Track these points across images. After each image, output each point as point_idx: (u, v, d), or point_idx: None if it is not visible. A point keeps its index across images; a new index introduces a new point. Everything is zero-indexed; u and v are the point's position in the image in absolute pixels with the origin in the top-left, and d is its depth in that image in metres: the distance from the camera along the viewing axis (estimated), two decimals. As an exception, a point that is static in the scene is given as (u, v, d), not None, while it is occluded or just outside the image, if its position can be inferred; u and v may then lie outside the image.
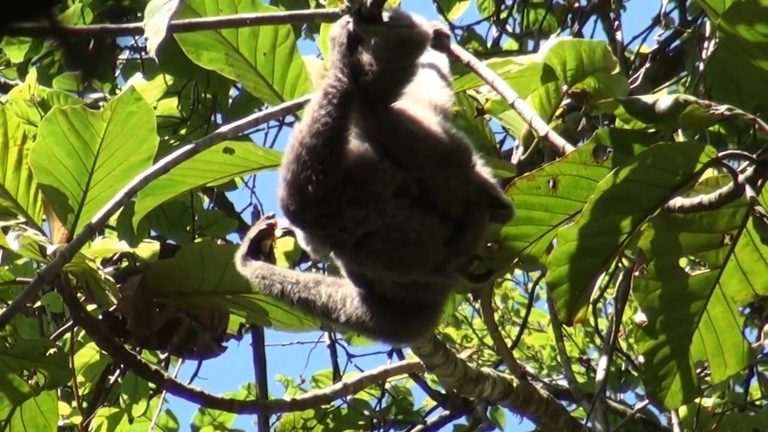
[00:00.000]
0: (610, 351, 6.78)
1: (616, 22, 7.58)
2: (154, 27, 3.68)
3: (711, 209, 3.36)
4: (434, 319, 3.64)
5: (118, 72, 7.47)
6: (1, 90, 7.31)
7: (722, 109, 3.38)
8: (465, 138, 3.52)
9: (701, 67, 6.80)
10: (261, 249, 3.82)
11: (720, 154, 3.31)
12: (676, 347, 3.64)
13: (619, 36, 7.55)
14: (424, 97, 3.68)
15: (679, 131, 5.67)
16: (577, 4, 7.85)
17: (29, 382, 4.46)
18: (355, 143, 3.42)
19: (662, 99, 3.51)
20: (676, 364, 3.64)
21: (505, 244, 3.58)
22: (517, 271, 9.96)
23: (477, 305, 9.93)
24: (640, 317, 3.63)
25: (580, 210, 3.40)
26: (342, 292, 3.60)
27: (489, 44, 8.92)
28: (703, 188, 3.41)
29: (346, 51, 3.43)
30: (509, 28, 8.92)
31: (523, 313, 9.69)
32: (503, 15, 8.82)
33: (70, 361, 4.67)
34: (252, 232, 3.88)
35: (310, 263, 7.33)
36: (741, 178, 3.26)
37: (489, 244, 3.57)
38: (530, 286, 8.45)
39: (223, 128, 4.09)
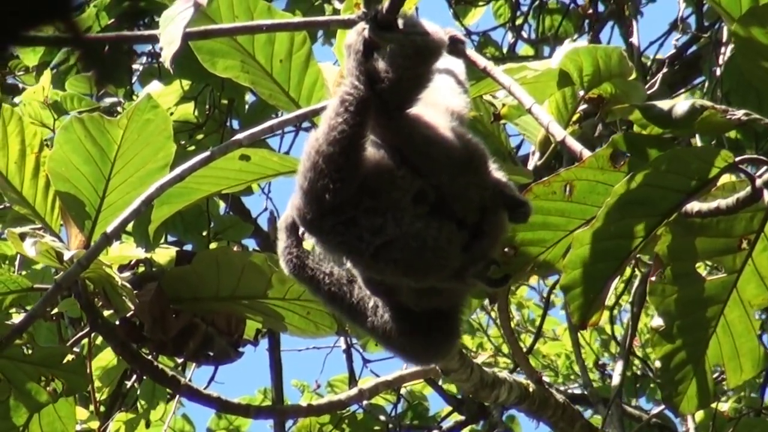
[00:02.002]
0: (626, 356, 6.78)
1: (631, 28, 7.58)
2: (168, 37, 3.68)
3: (728, 214, 3.36)
4: (455, 338, 3.65)
5: (135, 78, 7.49)
6: (19, 95, 7.32)
7: (739, 114, 3.38)
8: (481, 143, 3.53)
9: (718, 72, 6.79)
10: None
11: (737, 159, 3.31)
12: (693, 352, 3.63)
13: (635, 41, 7.55)
14: (441, 103, 3.68)
15: (697, 137, 5.66)
16: (591, 11, 7.83)
17: (47, 389, 4.48)
18: (371, 151, 3.42)
19: (679, 104, 3.51)
20: (693, 368, 3.64)
21: (521, 250, 3.58)
22: (533, 280, 9.97)
23: (493, 314, 9.94)
24: (657, 322, 3.63)
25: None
26: (375, 300, 3.60)
27: (505, 50, 8.93)
28: (721, 193, 3.40)
29: (361, 58, 3.44)
30: (525, 34, 8.92)
31: (538, 323, 9.69)
32: (519, 21, 8.83)
33: (87, 368, 4.69)
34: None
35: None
36: (759, 182, 3.26)
37: (505, 250, 3.58)
38: (546, 293, 8.44)
39: (239, 135, 4.10)
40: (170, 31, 3.70)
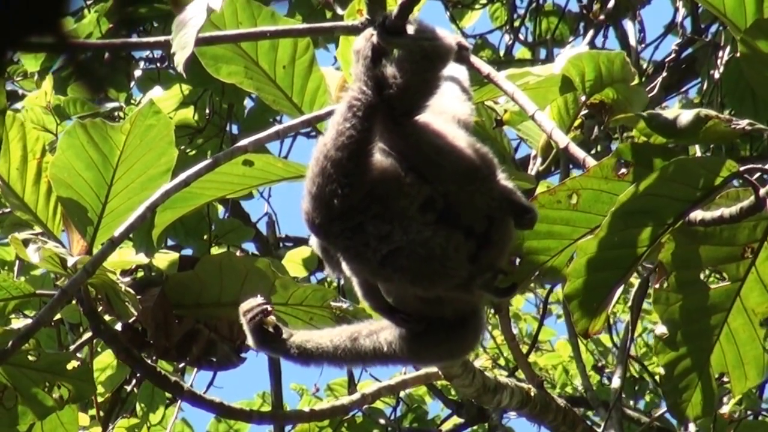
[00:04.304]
0: (625, 360, 6.80)
1: (641, 34, 7.60)
2: (181, 42, 3.69)
3: (732, 222, 3.37)
4: (480, 329, 3.68)
5: (133, 83, 7.49)
6: (18, 100, 7.32)
7: (743, 123, 3.39)
8: (489, 152, 3.53)
9: (716, 75, 6.81)
10: (266, 324, 3.75)
11: (741, 168, 3.32)
12: (697, 359, 3.64)
13: (633, 43, 7.57)
14: (447, 110, 3.69)
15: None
16: (602, 17, 7.84)
17: (53, 395, 4.47)
18: (380, 158, 3.43)
19: (683, 114, 3.52)
20: (697, 376, 3.65)
21: (526, 258, 3.58)
22: (530, 294, 9.99)
23: (489, 326, 9.94)
24: (661, 329, 3.64)
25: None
26: (381, 336, 3.65)
27: (502, 53, 8.94)
28: (724, 201, 3.41)
29: (370, 64, 3.44)
30: (521, 37, 8.93)
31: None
32: (516, 24, 8.83)
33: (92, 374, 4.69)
34: (250, 326, 3.73)
35: (325, 272, 7.35)
36: (762, 191, 3.27)
37: (510, 258, 3.58)
38: (542, 301, 8.45)
39: (244, 141, 4.10)
40: (183, 36, 3.70)
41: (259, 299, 3.72)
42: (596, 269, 3.42)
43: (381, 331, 3.67)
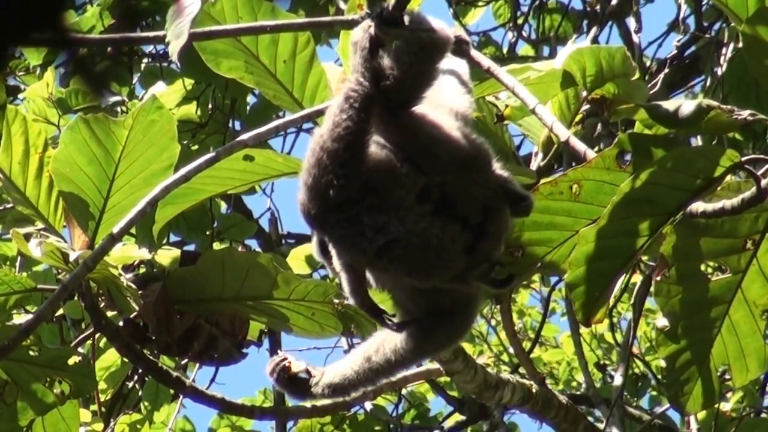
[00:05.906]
0: (627, 358, 6.79)
1: (636, 33, 7.59)
2: (176, 31, 3.69)
3: (733, 214, 3.36)
4: (475, 311, 3.69)
5: (136, 78, 7.49)
6: (20, 95, 7.32)
7: (745, 114, 3.39)
8: (485, 143, 3.53)
9: (719, 72, 6.80)
10: (297, 372, 3.80)
11: (742, 159, 3.32)
12: (698, 352, 3.64)
13: (636, 40, 7.56)
14: (445, 104, 3.68)
15: (698, 136, 5.67)
16: (598, 6, 7.83)
17: (54, 391, 4.47)
18: (376, 149, 3.43)
19: (685, 104, 3.51)
20: (698, 368, 3.65)
21: (527, 250, 3.58)
22: (535, 285, 10.00)
23: (493, 322, 9.95)
24: (662, 322, 3.63)
25: (603, 215, 3.40)
26: (387, 347, 3.66)
27: (505, 50, 8.94)
28: (725, 193, 3.41)
29: (367, 55, 3.44)
30: (524, 34, 8.93)
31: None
32: (519, 21, 8.83)
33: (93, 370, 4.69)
34: (279, 384, 3.80)
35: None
36: (764, 182, 3.26)
37: (512, 250, 3.58)
38: (546, 299, 8.45)
39: (244, 136, 4.10)
40: (177, 26, 3.70)
41: (278, 356, 3.78)
42: (598, 258, 3.42)
43: (385, 342, 3.68)
